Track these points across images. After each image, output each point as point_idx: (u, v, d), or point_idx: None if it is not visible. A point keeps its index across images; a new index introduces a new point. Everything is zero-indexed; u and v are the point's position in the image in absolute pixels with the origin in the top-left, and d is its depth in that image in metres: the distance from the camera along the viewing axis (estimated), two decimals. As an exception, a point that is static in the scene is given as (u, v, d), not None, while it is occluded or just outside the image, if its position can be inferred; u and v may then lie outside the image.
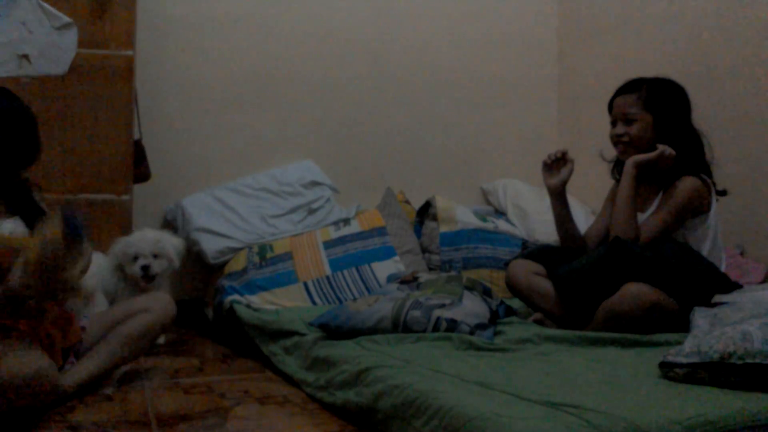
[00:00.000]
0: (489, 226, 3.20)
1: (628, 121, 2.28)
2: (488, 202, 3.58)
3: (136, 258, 2.46)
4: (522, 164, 3.64)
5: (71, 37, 2.42)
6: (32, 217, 1.95)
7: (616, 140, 2.33)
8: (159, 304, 2.10)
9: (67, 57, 2.39)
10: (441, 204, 3.20)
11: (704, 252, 2.21)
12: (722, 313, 1.72)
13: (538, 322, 2.31)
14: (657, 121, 2.26)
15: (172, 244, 2.52)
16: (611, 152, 2.42)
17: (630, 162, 2.25)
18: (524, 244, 3.18)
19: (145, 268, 2.45)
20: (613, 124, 2.35)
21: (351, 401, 1.69)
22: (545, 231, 3.24)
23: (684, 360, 1.53)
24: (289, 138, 3.29)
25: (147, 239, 2.46)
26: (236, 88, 3.21)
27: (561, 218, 2.42)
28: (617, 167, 2.46)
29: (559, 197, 2.40)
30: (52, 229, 1.71)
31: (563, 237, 2.45)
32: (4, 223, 1.89)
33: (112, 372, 2.00)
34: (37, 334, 1.84)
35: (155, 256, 2.47)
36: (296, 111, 3.30)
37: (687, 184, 2.20)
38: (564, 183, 2.39)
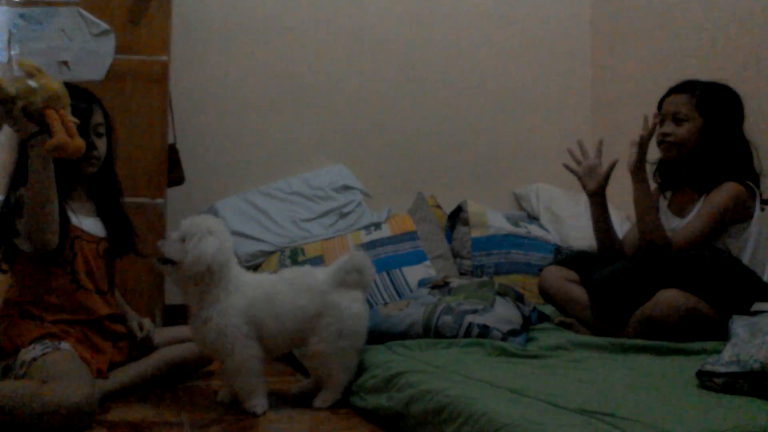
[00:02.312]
0: (521, 231, 3.17)
1: (678, 120, 2.23)
2: (521, 207, 3.55)
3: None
4: (555, 169, 3.56)
5: (109, 43, 2.47)
6: (113, 221, 2.00)
7: (661, 139, 2.27)
8: None
9: (105, 63, 2.43)
10: (473, 208, 3.18)
11: (745, 259, 2.16)
12: (763, 321, 1.68)
13: (563, 325, 2.28)
14: (707, 125, 2.21)
15: (210, 244, 1.77)
16: (655, 154, 2.35)
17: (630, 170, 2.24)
18: (557, 249, 3.14)
19: (162, 239, 1.82)
20: (661, 123, 2.30)
21: (382, 406, 1.69)
22: (579, 236, 3.20)
23: (723, 369, 1.49)
24: (321, 142, 3.30)
25: (195, 219, 1.83)
26: (268, 92, 3.23)
27: (599, 223, 2.37)
28: (660, 169, 2.40)
29: (598, 202, 2.36)
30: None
31: (601, 242, 2.40)
32: (85, 220, 1.94)
33: (144, 388, 1.99)
34: (87, 338, 1.88)
35: (183, 240, 1.79)
36: (328, 115, 3.31)
37: (728, 189, 2.16)
38: (602, 185, 2.34)
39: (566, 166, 2.43)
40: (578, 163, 2.39)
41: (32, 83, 1.69)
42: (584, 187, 2.37)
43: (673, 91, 2.29)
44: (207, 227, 1.81)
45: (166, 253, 1.79)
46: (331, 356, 1.82)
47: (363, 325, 1.88)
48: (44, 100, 1.70)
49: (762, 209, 2.22)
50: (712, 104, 2.21)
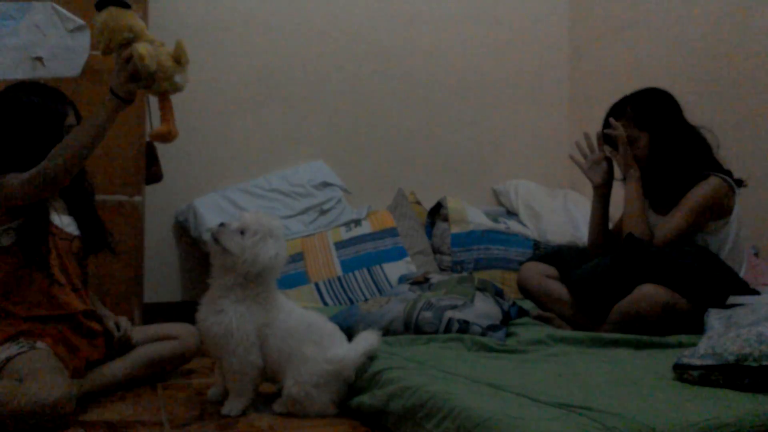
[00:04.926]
0: (500, 227, 3.19)
1: (630, 143, 2.28)
2: (500, 203, 3.57)
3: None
4: (534, 165, 3.62)
5: (85, 39, 2.43)
6: (85, 220, 1.98)
7: None
8: (187, 333, 2.12)
9: (81, 59, 2.40)
10: (452, 205, 3.20)
11: (723, 254, 2.19)
12: (737, 314, 1.71)
13: (541, 319, 2.30)
14: (653, 135, 2.26)
15: (270, 247, 1.77)
16: None
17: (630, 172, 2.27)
18: (536, 245, 3.16)
19: (221, 225, 1.79)
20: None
21: (364, 404, 1.69)
22: (557, 232, 3.23)
23: (698, 362, 1.52)
24: (301, 139, 3.29)
25: (260, 216, 1.82)
26: (248, 88, 3.21)
27: (597, 215, 2.39)
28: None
29: (602, 194, 2.38)
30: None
31: (595, 234, 2.41)
32: (62, 217, 1.92)
33: (123, 386, 1.97)
34: (63, 337, 1.85)
35: (242, 232, 1.77)
36: (307, 112, 3.30)
37: (708, 185, 2.18)
38: (606, 178, 2.36)
39: (572, 158, 2.46)
40: (584, 156, 2.41)
41: (177, 78, 1.82)
42: (590, 180, 2.39)
43: (610, 116, 2.32)
44: (270, 229, 1.79)
45: (223, 241, 1.75)
46: (301, 402, 1.73)
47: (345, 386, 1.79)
48: (170, 89, 1.82)
49: (739, 192, 2.24)
50: (646, 115, 2.26)
